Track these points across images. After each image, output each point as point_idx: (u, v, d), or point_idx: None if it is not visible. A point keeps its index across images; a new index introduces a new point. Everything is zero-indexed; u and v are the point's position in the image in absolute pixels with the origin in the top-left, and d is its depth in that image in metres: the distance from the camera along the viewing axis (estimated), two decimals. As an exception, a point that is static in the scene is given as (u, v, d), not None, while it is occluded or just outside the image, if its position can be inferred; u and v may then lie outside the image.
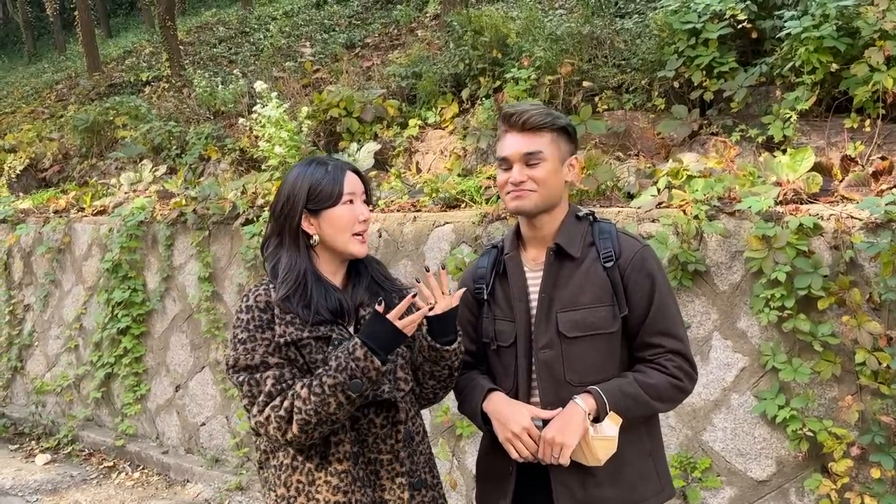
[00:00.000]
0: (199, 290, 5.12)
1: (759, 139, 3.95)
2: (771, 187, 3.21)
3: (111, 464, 5.47)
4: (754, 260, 3.01)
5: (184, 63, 11.64)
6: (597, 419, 1.83)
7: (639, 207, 3.47)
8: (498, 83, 5.39)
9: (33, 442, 6.01)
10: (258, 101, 5.77)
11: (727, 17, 4.21)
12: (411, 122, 5.68)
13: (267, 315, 1.81)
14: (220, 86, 8.08)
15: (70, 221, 6.10)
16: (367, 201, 1.95)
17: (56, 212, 6.34)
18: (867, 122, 3.67)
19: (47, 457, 5.64)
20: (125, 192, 6.25)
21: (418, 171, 5.44)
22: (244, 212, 4.83)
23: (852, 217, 2.95)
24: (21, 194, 7.83)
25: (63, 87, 14.13)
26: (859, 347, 2.83)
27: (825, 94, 3.84)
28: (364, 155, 5.30)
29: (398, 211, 4.40)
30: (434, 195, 4.37)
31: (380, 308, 1.74)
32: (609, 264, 1.90)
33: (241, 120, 6.17)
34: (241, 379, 1.79)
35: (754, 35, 4.23)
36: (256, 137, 5.76)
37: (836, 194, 3.24)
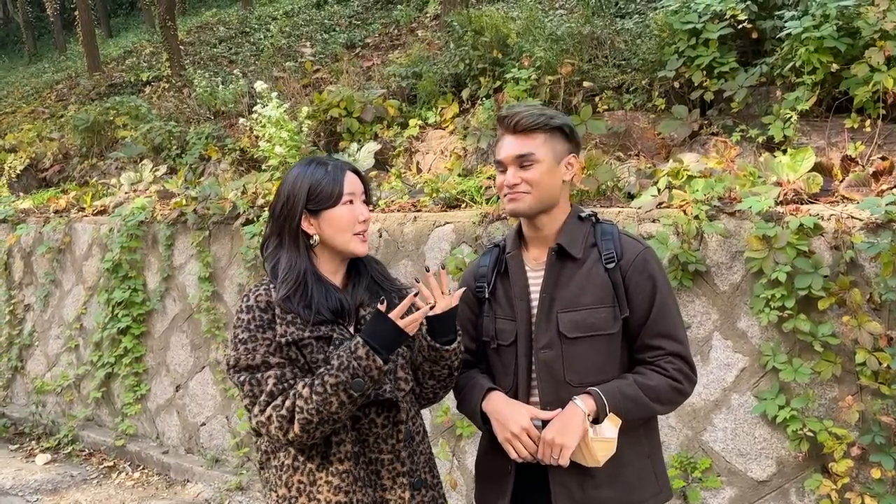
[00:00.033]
0: (199, 289, 5.12)
1: (760, 139, 3.96)
2: (771, 187, 3.22)
3: (111, 464, 5.47)
4: (755, 260, 3.01)
5: (184, 63, 11.64)
6: (596, 420, 1.83)
7: (639, 207, 3.47)
8: (498, 83, 5.39)
9: (33, 442, 6.01)
10: (258, 101, 5.77)
11: (727, 17, 4.21)
12: (411, 122, 5.68)
13: (268, 315, 1.81)
14: (220, 86, 8.09)
15: (70, 221, 6.10)
16: (367, 201, 1.95)
17: (56, 212, 6.35)
18: (867, 122, 3.67)
19: (47, 457, 5.64)
20: (125, 192, 6.25)
21: (418, 171, 5.44)
22: (244, 212, 4.83)
23: (853, 217, 2.95)
24: (21, 194, 7.83)
25: (63, 87, 14.14)
26: (860, 348, 2.83)
27: (825, 94, 3.84)
28: (364, 155, 5.30)
29: (398, 211, 4.40)
30: (434, 195, 4.37)
31: (382, 307, 1.74)
32: (611, 265, 1.90)
33: (241, 120, 6.17)
34: (242, 379, 1.79)
35: (755, 35, 4.23)
36: (257, 137, 5.76)
37: (836, 194, 3.25)
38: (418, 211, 4.32)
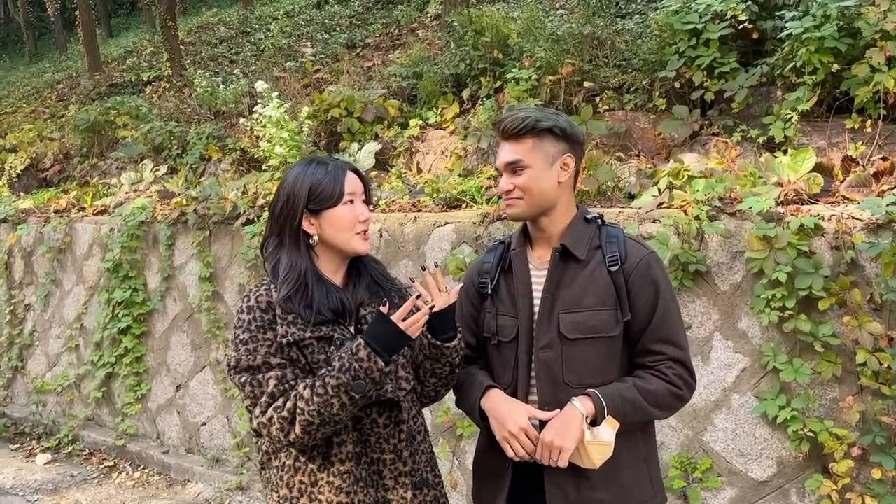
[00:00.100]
0: (199, 289, 5.12)
1: (760, 139, 3.96)
2: (772, 188, 3.22)
3: (112, 463, 5.48)
4: (755, 260, 3.01)
5: (185, 63, 11.64)
6: (594, 422, 1.83)
7: (640, 208, 3.47)
8: (499, 83, 5.39)
9: (34, 441, 6.01)
10: (259, 101, 5.78)
11: (728, 17, 4.21)
12: (412, 122, 5.68)
13: (268, 315, 1.80)
14: (220, 86, 8.09)
15: (71, 221, 6.11)
16: (367, 201, 1.95)
17: (57, 211, 6.35)
18: (868, 122, 3.67)
19: (48, 456, 5.64)
20: (126, 192, 6.25)
21: (419, 171, 5.44)
22: (245, 212, 4.83)
23: (853, 217, 2.95)
24: (22, 194, 7.83)
25: (64, 87, 14.14)
26: (860, 348, 2.83)
27: (826, 94, 3.84)
28: (365, 155, 5.30)
29: (399, 211, 4.40)
30: (435, 195, 4.37)
31: (384, 309, 1.74)
32: (614, 268, 1.90)
33: (241, 120, 6.17)
34: (242, 380, 1.79)
35: (755, 35, 4.23)
36: (257, 137, 5.77)
37: (837, 195, 3.25)
38: (419, 211, 4.32)
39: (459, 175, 4.82)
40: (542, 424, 1.85)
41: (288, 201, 1.88)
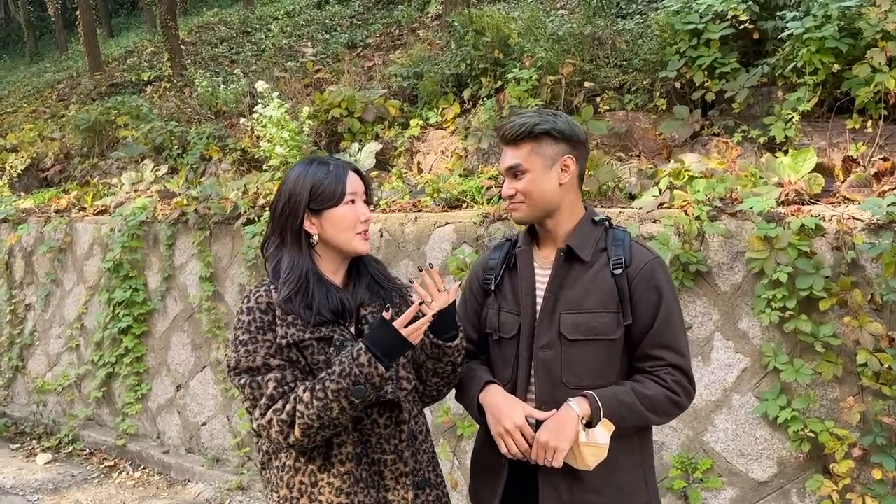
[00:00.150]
0: (200, 289, 5.12)
1: (761, 140, 3.95)
2: (773, 188, 3.22)
3: (112, 463, 5.48)
4: (756, 261, 3.01)
5: (185, 63, 11.64)
6: (589, 424, 1.82)
7: (640, 208, 3.47)
8: (499, 83, 5.39)
9: (34, 441, 6.01)
10: (259, 100, 5.78)
11: (729, 17, 4.21)
12: (413, 122, 5.68)
13: (268, 316, 1.80)
14: (221, 86, 8.10)
15: (71, 221, 6.11)
16: (368, 201, 1.95)
17: (57, 211, 6.35)
18: (869, 122, 3.67)
19: (48, 456, 5.65)
20: (126, 192, 6.25)
21: (420, 171, 5.44)
22: (245, 212, 4.83)
23: (854, 218, 2.95)
24: (22, 194, 7.83)
25: (64, 87, 14.14)
26: (861, 348, 2.83)
27: (827, 94, 3.83)
28: (365, 155, 5.30)
29: (399, 211, 4.40)
30: (435, 195, 4.37)
31: (387, 315, 1.73)
32: (618, 271, 1.90)
33: (242, 120, 6.17)
34: (242, 381, 1.78)
35: (756, 36, 4.23)
36: (258, 137, 5.77)
37: (837, 195, 3.25)
38: (419, 211, 4.32)
39: (460, 175, 4.82)
40: (539, 424, 1.85)
41: (289, 201, 1.87)
